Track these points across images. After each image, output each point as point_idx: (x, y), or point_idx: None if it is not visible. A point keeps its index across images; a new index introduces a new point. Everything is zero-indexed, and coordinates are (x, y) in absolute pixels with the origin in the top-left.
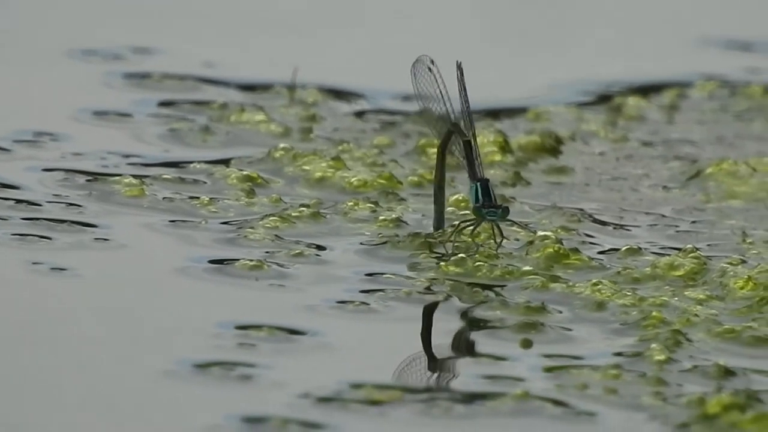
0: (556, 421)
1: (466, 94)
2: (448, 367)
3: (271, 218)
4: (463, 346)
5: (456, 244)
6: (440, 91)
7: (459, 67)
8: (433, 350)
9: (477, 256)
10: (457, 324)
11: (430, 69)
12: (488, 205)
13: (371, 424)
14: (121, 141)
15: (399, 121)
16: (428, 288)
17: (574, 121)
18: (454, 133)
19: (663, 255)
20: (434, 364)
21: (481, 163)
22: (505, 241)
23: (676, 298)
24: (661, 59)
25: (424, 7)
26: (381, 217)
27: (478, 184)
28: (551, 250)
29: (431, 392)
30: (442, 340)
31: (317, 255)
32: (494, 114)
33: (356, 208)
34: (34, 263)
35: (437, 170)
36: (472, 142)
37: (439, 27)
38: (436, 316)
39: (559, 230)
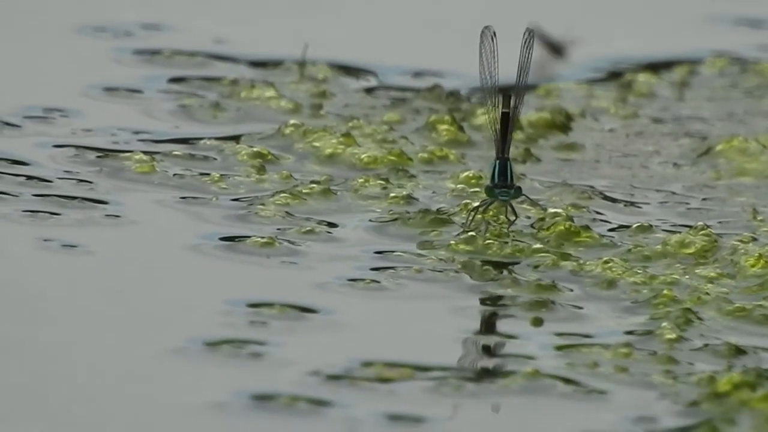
0: (566, 399)
1: (527, 67)
2: (459, 345)
3: (282, 195)
4: (474, 324)
5: (471, 223)
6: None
7: (528, 34)
8: (444, 328)
9: (488, 234)
10: (467, 302)
11: (492, 38)
12: (501, 185)
13: (381, 402)
14: (132, 117)
15: (409, 98)
16: (439, 266)
17: (584, 98)
18: (504, 100)
19: (674, 232)
20: (445, 341)
21: (509, 142)
22: (516, 219)
23: (686, 276)
24: (671, 36)
25: None
26: (391, 194)
27: (497, 162)
28: (562, 227)
29: (441, 370)
30: (452, 318)
31: (328, 232)
32: (505, 90)
33: (367, 185)
34: (44, 240)
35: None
36: (510, 119)
37: (449, 1)
38: (447, 293)
39: (569, 207)
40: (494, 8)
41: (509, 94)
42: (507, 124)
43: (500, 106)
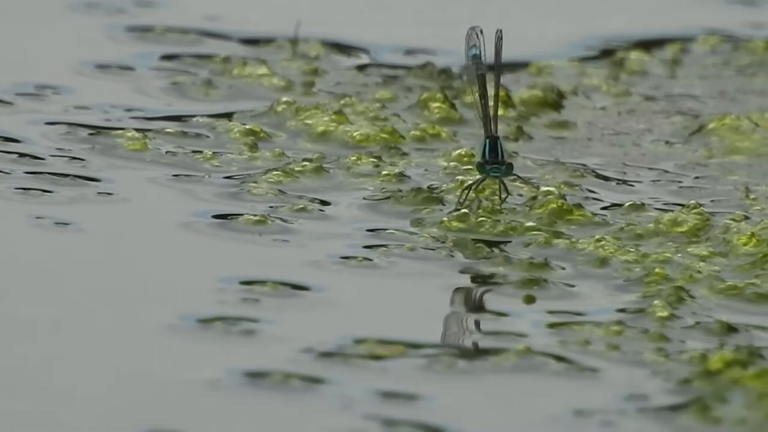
0: (558, 377)
1: (499, 60)
2: (451, 323)
3: (274, 173)
4: (466, 302)
5: (464, 201)
6: (481, 51)
7: (499, 35)
8: (436, 306)
9: (480, 211)
10: (459, 280)
11: (477, 36)
12: (492, 161)
13: (373, 379)
14: (124, 94)
15: (401, 75)
16: (431, 243)
17: (576, 76)
18: (478, 76)
19: (666, 211)
20: (437, 319)
21: (496, 121)
22: (508, 197)
23: (679, 255)
24: (663, 13)
25: None
26: (384, 172)
27: (488, 140)
28: (554, 205)
29: (434, 347)
30: (444, 296)
31: (320, 210)
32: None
33: (359, 162)
34: (36, 217)
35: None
36: (492, 99)
37: None
38: (439, 271)
39: (561, 186)
40: None
41: (483, 74)
42: (487, 103)
43: (478, 88)
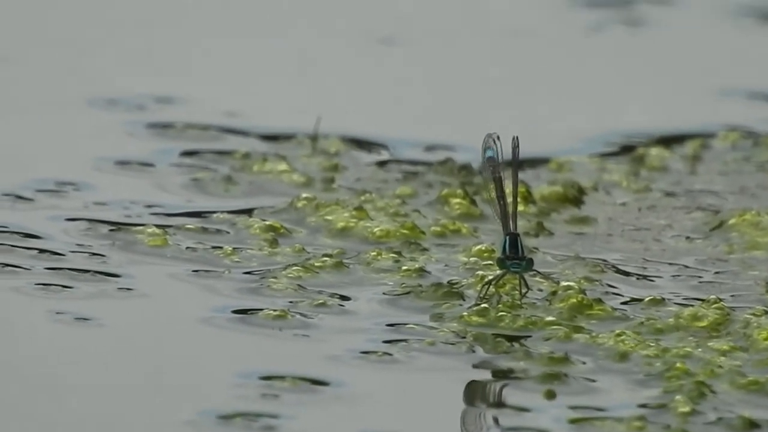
0: None
1: (516, 164)
2: (471, 418)
3: (294, 268)
4: (487, 397)
5: (484, 296)
6: (498, 157)
7: (515, 142)
8: (456, 401)
9: (500, 306)
10: (480, 374)
11: (494, 141)
12: (512, 257)
13: None
14: (144, 190)
15: (421, 171)
16: (451, 338)
17: (596, 172)
18: (494, 179)
19: (686, 306)
20: (458, 414)
21: (515, 219)
22: (528, 292)
23: (699, 349)
24: (683, 109)
25: (446, 57)
26: (404, 267)
27: (508, 237)
28: (574, 300)
29: None
30: (464, 391)
31: (340, 305)
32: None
33: (379, 258)
34: (57, 312)
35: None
36: (508, 198)
37: (464, 75)
38: (459, 366)
39: (582, 281)
40: (506, 84)
41: (500, 177)
42: (504, 204)
43: (494, 190)
